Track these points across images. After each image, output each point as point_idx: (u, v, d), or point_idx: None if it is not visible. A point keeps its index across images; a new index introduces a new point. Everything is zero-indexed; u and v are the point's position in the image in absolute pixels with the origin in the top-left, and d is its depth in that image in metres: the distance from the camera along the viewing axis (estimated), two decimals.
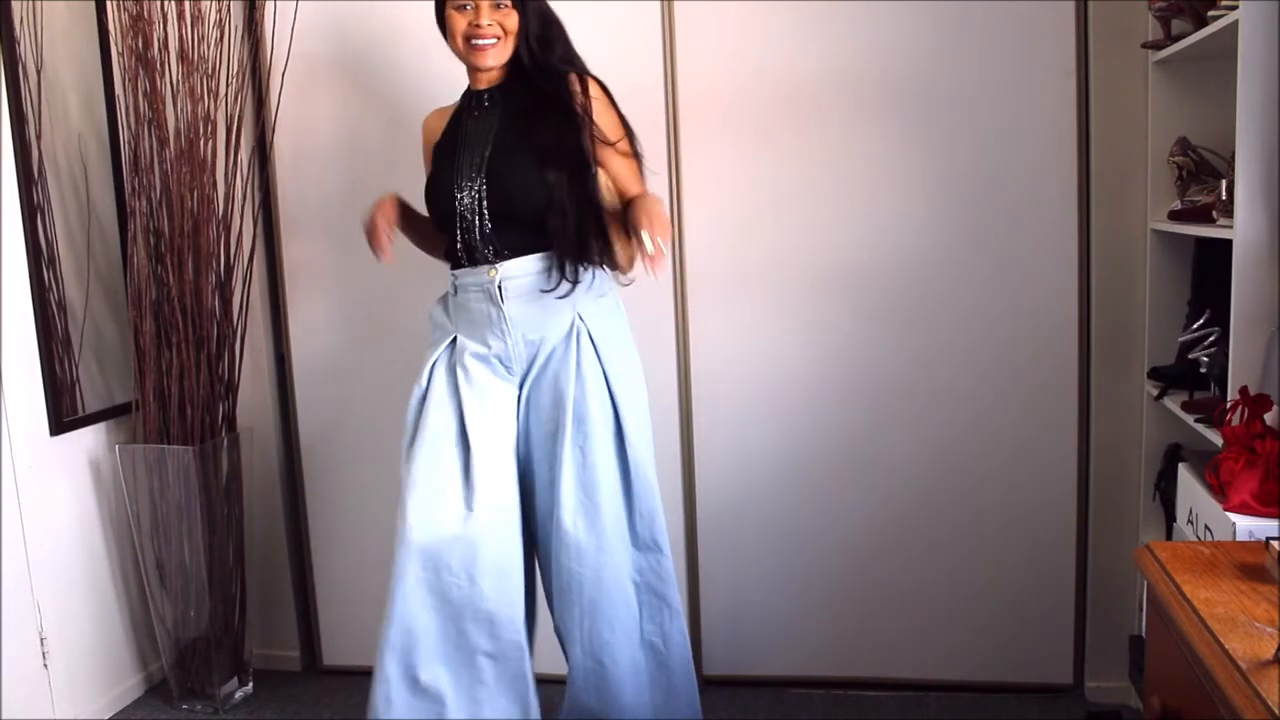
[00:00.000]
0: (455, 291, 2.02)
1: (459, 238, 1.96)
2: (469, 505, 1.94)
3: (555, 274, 1.94)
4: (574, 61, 2.00)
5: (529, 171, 1.91)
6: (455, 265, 2.01)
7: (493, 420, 1.99)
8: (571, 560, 1.97)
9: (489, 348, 1.99)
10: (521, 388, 2.02)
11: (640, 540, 2.03)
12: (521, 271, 1.96)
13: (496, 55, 1.95)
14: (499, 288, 1.95)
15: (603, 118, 1.97)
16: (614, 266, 2.05)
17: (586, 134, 1.94)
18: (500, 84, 2.00)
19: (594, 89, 1.97)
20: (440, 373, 2.02)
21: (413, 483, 1.96)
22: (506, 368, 2.01)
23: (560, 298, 1.95)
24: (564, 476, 1.96)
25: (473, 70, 2.00)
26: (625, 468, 2.00)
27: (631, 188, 2.02)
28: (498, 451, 1.99)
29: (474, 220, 1.94)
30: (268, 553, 2.78)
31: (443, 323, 2.07)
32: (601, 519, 1.97)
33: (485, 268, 1.95)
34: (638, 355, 2.08)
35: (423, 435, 1.98)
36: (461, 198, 1.94)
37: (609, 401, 1.98)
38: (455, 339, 2.02)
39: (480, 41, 1.92)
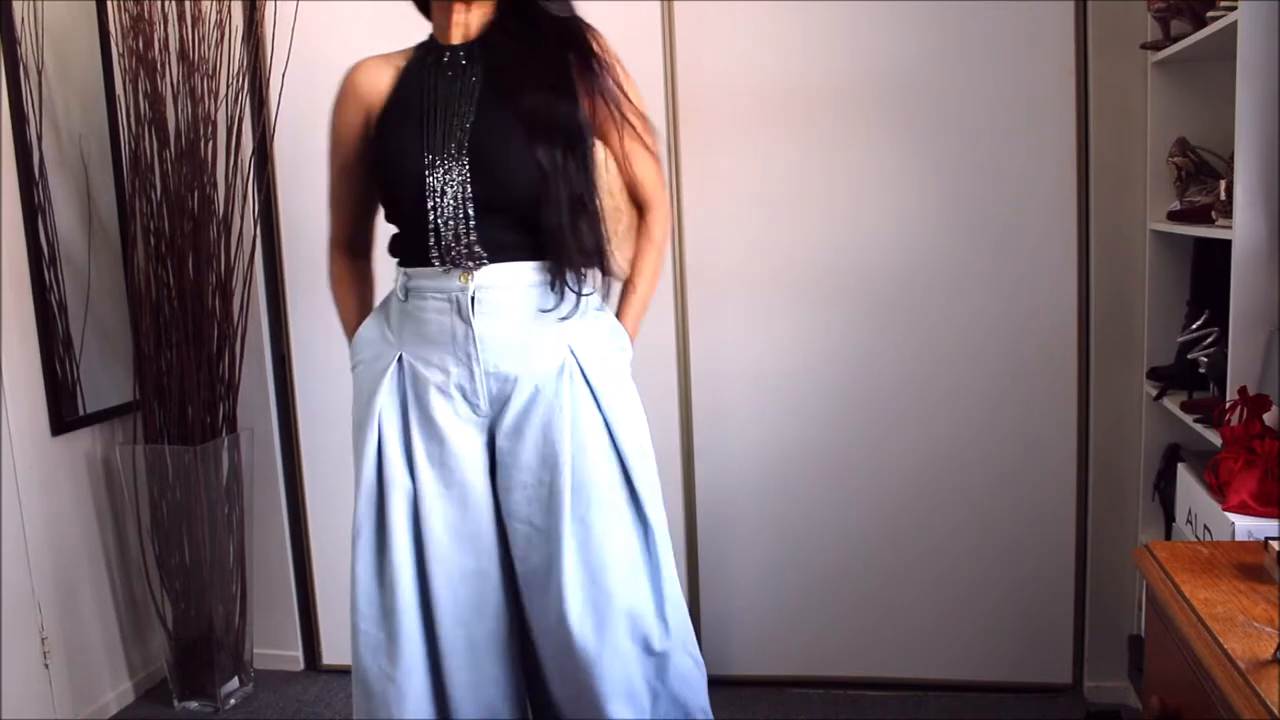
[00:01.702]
0: (406, 295, 1.59)
1: (430, 231, 1.53)
2: (429, 647, 1.59)
3: (554, 286, 1.56)
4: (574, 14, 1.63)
5: (524, 150, 1.51)
6: (408, 262, 1.60)
7: (460, 489, 1.59)
8: (579, 669, 1.55)
9: (447, 374, 1.56)
10: (493, 435, 1.60)
11: (672, 632, 1.59)
12: (504, 281, 1.55)
13: (478, 11, 1.57)
14: (471, 299, 1.53)
15: (624, 85, 1.60)
16: (607, 273, 1.66)
17: (598, 100, 1.56)
18: (480, 36, 1.59)
19: (607, 45, 1.61)
20: (389, 411, 1.59)
21: (364, 623, 1.62)
22: (472, 405, 1.57)
23: (563, 318, 1.57)
24: (565, 559, 1.53)
25: (440, 18, 1.62)
26: (646, 541, 1.60)
27: (648, 185, 1.66)
28: (465, 540, 1.59)
29: (453, 211, 1.52)
30: (268, 553, 2.78)
31: (380, 336, 1.63)
32: (613, 610, 1.54)
33: (456, 272, 1.54)
34: (635, 389, 1.67)
35: (387, 525, 1.60)
36: (434, 181, 1.52)
37: (615, 457, 1.58)
38: (401, 357, 1.60)
39: None
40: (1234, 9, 1.69)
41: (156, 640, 2.68)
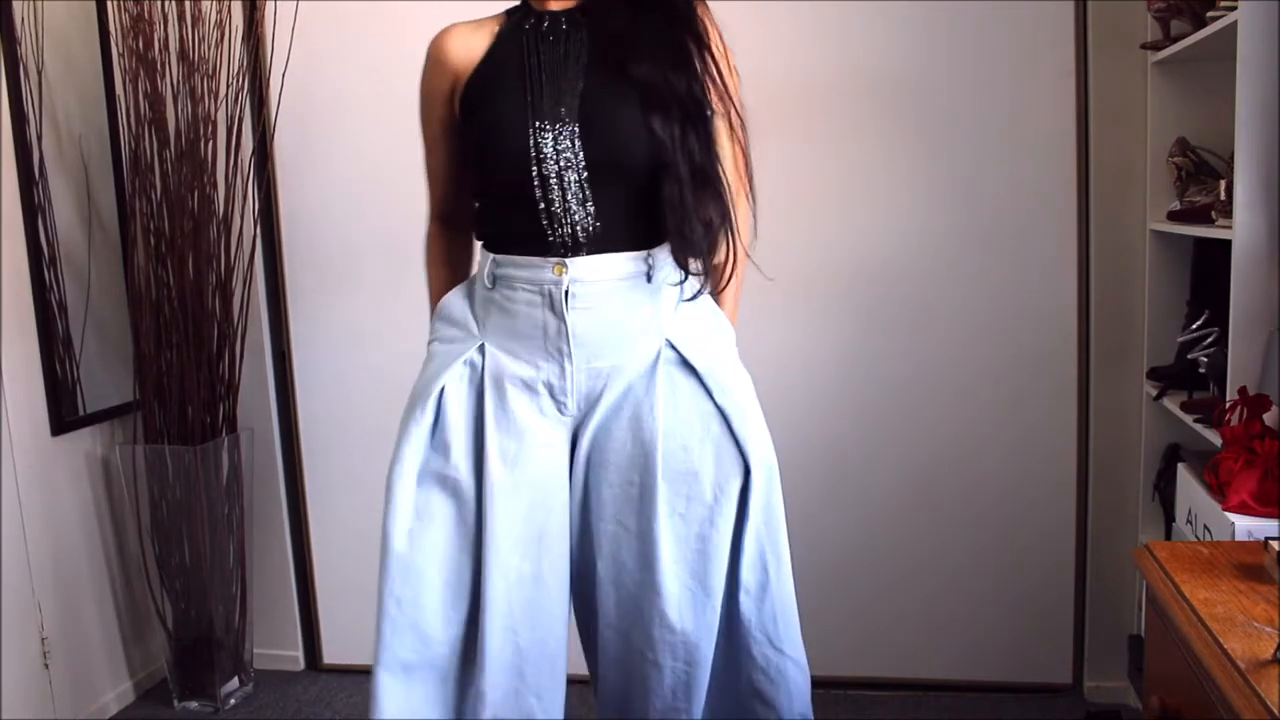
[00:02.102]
0: (493, 283, 1.47)
1: (540, 206, 1.42)
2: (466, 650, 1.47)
3: (670, 269, 1.44)
4: None
5: (638, 120, 1.40)
6: (501, 247, 1.47)
7: (531, 489, 1.45)
8: (676, 659, 1.47)
9: (536, 369, 1.45)
10: (577, 438, 1.48)
11: (769, 638, 1.55)
12: (601, 274, 1.43)
13: None
14: (566, 293, 1.42)
15: (727, 72, 1.49)
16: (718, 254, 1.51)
17: (709, 78, 1.45)
18: (582, 2, 1.48)
19: (716, 25, 1.51)
20: (456, 397, 1.47)
21: (389, 594, 1.44)
22: (559, 404, 1.46)
23: (690, 297, 1.47)
24: (663, 555, 1.44)
25: None
26: (773, 549, 1.54)
27: (742, 169, 1.54)
28: (528, 543, 1.45)
29: (560, 178, 1.41)
30: (268, 553, 2.78)
31: (463, 319, 1.51)
32: (711, 610, 1.47)
33: (551, 261, 1.42)
34: (748, 375, 1.55)
35: (416, 510, 1.45)
36: (543, 146, 1.40)
37: (733, 448, 1.46)
38: (482, 347, 1.48)
39: None
40: (1234, 9, 1.69)
41: (156, 640, 2.68)
